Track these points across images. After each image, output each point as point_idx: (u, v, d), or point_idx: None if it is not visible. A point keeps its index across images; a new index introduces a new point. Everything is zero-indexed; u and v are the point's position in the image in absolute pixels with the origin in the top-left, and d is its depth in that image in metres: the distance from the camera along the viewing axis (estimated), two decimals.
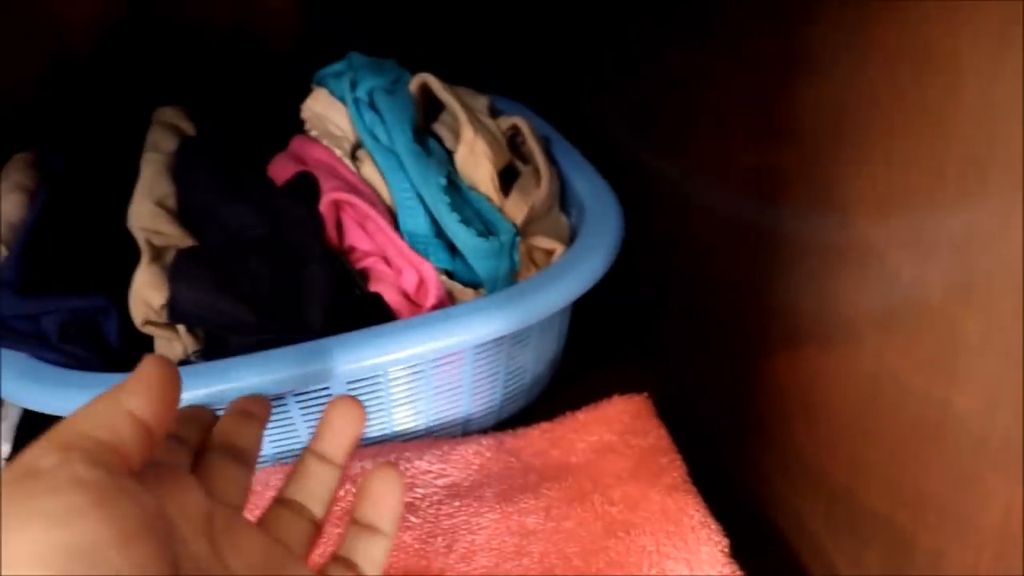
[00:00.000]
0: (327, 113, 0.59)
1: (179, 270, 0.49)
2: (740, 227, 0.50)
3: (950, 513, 0.37)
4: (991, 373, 0.33)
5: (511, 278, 0.54)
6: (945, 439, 0.36)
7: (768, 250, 0.47)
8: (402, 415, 0.54)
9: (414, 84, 0.60)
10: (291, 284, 0.51)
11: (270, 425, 0.50)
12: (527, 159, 0.60)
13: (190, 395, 0.47)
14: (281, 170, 0.58)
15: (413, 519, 0.49)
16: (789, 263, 0.45)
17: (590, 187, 0.59)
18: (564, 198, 0.60)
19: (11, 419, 0.54)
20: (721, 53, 0.48)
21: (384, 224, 0.53)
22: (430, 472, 0.52)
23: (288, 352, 0.48)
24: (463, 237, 0.52)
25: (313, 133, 0.58)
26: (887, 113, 0.36)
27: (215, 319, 0.48)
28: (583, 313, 0.59)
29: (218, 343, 0.50)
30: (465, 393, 0.54)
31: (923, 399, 0.37)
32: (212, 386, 0.47)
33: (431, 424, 0.55)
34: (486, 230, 0.53)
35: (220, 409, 0.45)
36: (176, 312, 0.48)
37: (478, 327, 0.49)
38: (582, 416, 0.55)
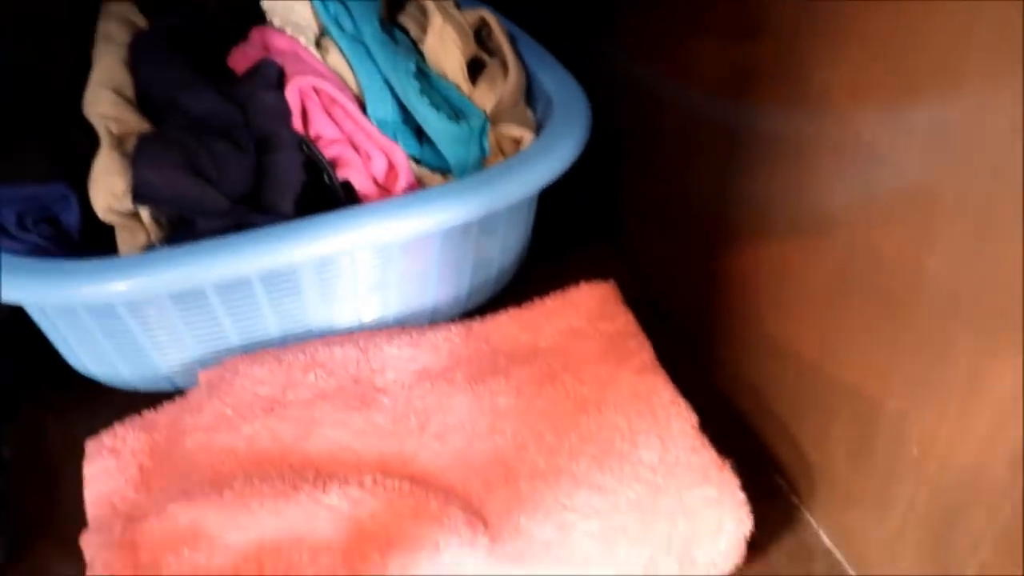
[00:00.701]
0: (290, 4, 0.58)
1: (143, 152, 0.48)
2: (712, 121, 0.50)
3: (917, 377, 0.38)
4: (964, 233, 0.34)
5: (480, 165, 0.54)
6: (917, 303, 0.37)
7: (741, 143, 0.48)
8: (371, 304, 0.54)
9: None
10: (260, 170, 0.50)
11: (234, 312, 0.50)
12: (493, 53, 0.59)
13: (160, 281, 0.47)
14: (242, 60, 0.57)
15: (385, 401, 0.50)
16: (762, 155, 0.46)
17: (556, 80, 0.59)
18: (530, 92, 0.60)
19: None
20: None
21: (353, 109, 0.52)
22: (400, 356, 0.52)
23: (257, 235, 0.48)
24: (433, 121, 0.52)
25: (276, 23, 0.57)
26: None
27: (181, 202, 0.47)
28: (547, 207, 0.60)
29: (183, 229, 0.49)
30: (432, 282, 0.55)
31: (896, 268, 0.38)
32: (181, 269, 0.46)
33: (399, 314, 0.55)
34: (456, 116, 0.52)
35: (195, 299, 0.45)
36: (141, 195, 0.47)
37: (448, 210, 0.49)
38: (550, 302, 0.55)
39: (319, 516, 0.44)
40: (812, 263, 0.44)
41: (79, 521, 0.48)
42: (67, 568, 0.48)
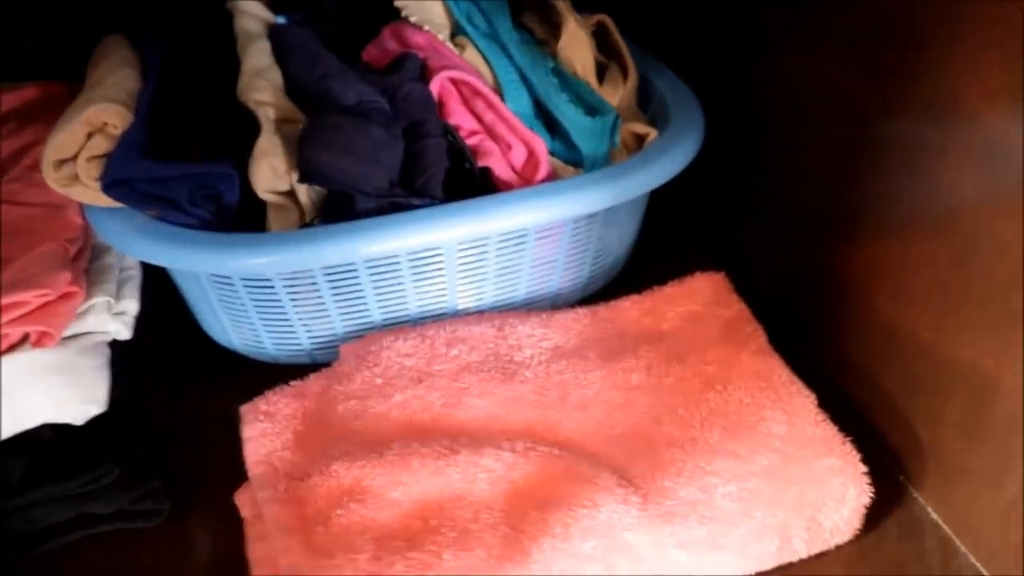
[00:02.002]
0: (422, 2, 0.61)
1: (312, 134, 0.52)
2: (835, 121, 0.54)
3: None
4: None
5: (607, 159, 0.57)
6: None
7: (864, 142, 0.51)
8: (503, 285, 0.57)
9: None
10: (409, 156, 0.54)
11: (380, 290, 0.53)
12: (609, 55, 0.63)
13: (321, 255, 0.50)
14: (379, 55, 0.61)
15: (527, 374, 0.53)
16: (885, 154, 0.50)
17: (667, 83, 0.63)
18: (641, 95, 0.64)
19: (136, 279, 0.56)
20: None
21: (496, 101, 0.56)
22: (534, 336, 0.56)
23: (413, 216, 0.51)
24: (571, 116, 0.55)
25: (413, 19, 0.61)
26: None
27: (345, 182, 0.51)
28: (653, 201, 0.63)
29: (340, 209, 0.53)
30: (558, 268, 0.58)
31: (1018, 252, 0.41)
32: (345, 245, 0.50)
33: (526, 296, 0.59)
34: (591, 111, 0.56)
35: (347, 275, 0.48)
36: (310, 173, 0.50)
37: (589, 199, 0.53)
38: (668, 289, 0.59)
39: (477, 477, 0.48)
40: (931, 251, 0.48)
41: (227, 483, 0.52)
42: (220, 525, 0.51)
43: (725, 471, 0.48)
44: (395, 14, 0.65)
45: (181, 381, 0.60)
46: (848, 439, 0.50)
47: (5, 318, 0.49)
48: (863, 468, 0.49)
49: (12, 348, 0.50)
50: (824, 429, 0.50)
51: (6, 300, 0.49)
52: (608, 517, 0.46)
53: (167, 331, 0.59)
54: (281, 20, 0.69)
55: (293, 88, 0.57)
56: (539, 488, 0.48)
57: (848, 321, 0.55)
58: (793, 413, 0.51)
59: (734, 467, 0.48)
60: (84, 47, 0.67)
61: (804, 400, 0.51)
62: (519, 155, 0.55)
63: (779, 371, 0.53)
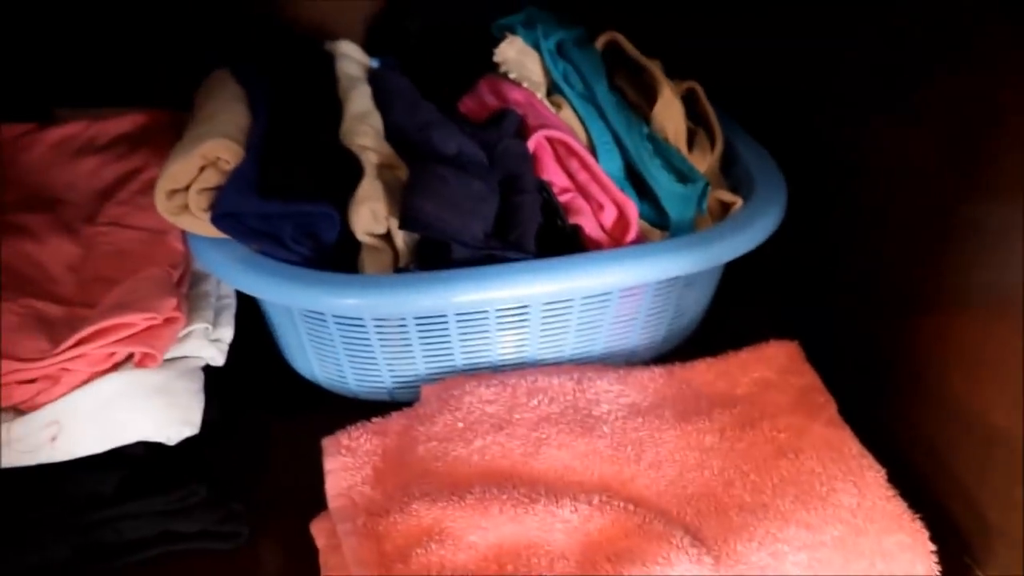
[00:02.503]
0: (521, 59, 0.64)
1: (416, 183, 0.54)
2: (918, 199, 0.55)
3: None
4: None
5: (693, 224, 0.59)
6: None
7: (948, 222, 0.53)
8: (583, 340, 0.59)
9: (601, 40, 0.65)
10: (506, 209, 0.56)
11: (465, 336, 0.55)
12: (697, 121, 0.65)
13: (416, 302, 0.52)
14: (476, 107, 0.63)
15: (604, 429, 0.54)
16: (971, 233, 0.51)
17: (752, 152, 0.64)
18: (725, 160, 0.65)
19: (231, 308, 0.58)
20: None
21: (591, 161, 0.58)
22: (611, 391, 0.57)
23: (506, 270, 0.53)
24: (663, 182, 0.57)
25: (512, 76, 0.63)
26: None
27: (444, 231, 0.53)
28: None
29: (434, 255, 0.55)
30: (638, 326, 0.60)
31: None
32: (439, 293, 0.52)
33: (603, 351, 0.60)
34: (682, 178, 0.58)
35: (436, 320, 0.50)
36: (412, 220, 0.52)
37: (673, 265, 0.55)
38: (743, 355, 0.60)
39: (554, 527, 0.49)
40: (1009, 334, 0.48)
41: (303, 512, 0.53)
42: (295, 553, 0.53)
43: (796, 539, 0.49)
44: (488, 66, 0.68)
45: (263, 409, 0.62)
46: (917, 516, 0.50)
47: (113, 337, 0.51)
48: (931, 546, 0.50)
49: (117, 366, 0.52)
50: (894, 505, 0.51)
51: (116, 321, 0.51)
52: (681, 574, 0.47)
53: (251, 359, 0.61)
54: (375, 64, 0.72)
55: (393, 134, 0.59)
56: (613, 541, 0.49)
57: (921, 398, 0.56)
58: (864, 486, 0.52)
59: (805, 536, 0.49)
60: (187, 77, 0.70)
61: (875, 474, 0.52)
62: (610, 215, 0.57)
63: (850, 443, 0.54)
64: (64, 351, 0.51)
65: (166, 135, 0.69)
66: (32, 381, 0.51)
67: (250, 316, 0.61)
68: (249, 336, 0.60)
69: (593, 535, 0.49)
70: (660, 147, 0.60)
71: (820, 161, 0.64)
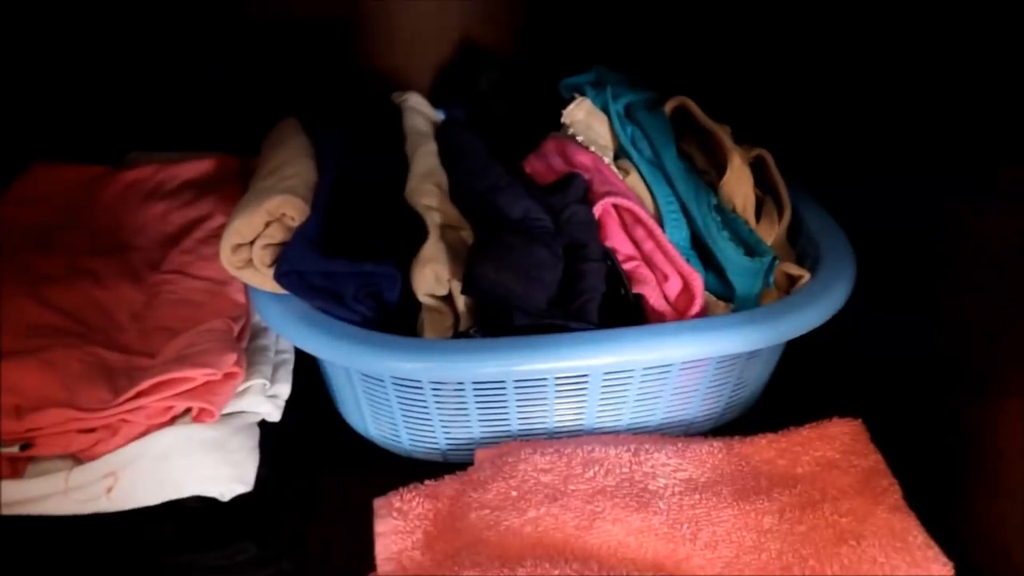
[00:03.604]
0: (589, 120, 0.63)
1: (481, 248, 0.54)
2: (987, 277, 0.54)
3: None
4: None
5: (759, 298, 0.58)
6: None
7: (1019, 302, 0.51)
8: (641, 410, 0.58)
9: (670, 105, 0.64)
10: (569, 276, 0.55)
11: (523, 403, 0.55)
12: (765, 190, 0.64)
13: (476, 369, 0.52)
14: (543, 169, 0.63)
15: (660, 505, 0.53)
16: None
17: (820, 223, 0.63)
18: (791, 229, 0.64)
19: (289, 363, 0.58)
20: None
21: (657, 231, 0.57)
22: (668, 465, 0.56)
23: (567, 340, 0.52)
24: (730, 254, 0.56)
25: (580, 138, 0.62)
26: None
27: (507, 298, 0.52)
28: None
29: (495, 319, 0.54)
30: (697, 397, 0.59)
31: None
32: (499, 362, 0.51)
33: (662, 422, 0.59)
34: (749, 250, 0.57)
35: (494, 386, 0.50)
36: (475, 287, 0.52)
37: (737, 340, 0.54)
38: (805, 432, 0.58)
39: None
40: None
41: (352, 570, 0.53)
42: None
43: None
44: (555, 123, 0.67)
45: (314, 466, 0.61)
46: None
47: (172, 391, 0.52)
48: None
49: (174, 420, 0.53)
50: None
51: (176, 375, 0.51)
52: None
53: (306, 414, 0.61)
54: (441, 114, 0.72)
55: (458, 192, 0.59)
56: None
57: (995, 491, 0.54)
58: None
59: None
60: (254, 121, 0.71)
61: (941, 568, 0.51)
62: (674, 286, 0.56)
63: (915, 532, 0.52)
64: (124, 402, 0.51)
65: (234, 182, 0.70)
66: (92, 431, 0.52)
67: (307, 370, 0.61)
68: (305, 391, 0.60)
69: None
70: (728, 218, 0.59)
71: (892, 232, 0.63)
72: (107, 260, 0.64)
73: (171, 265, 0.63)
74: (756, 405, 0.65)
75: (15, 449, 0.51)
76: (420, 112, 0.69)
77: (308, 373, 0.61)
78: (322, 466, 0.61)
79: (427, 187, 0.59)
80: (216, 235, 0.63)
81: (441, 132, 0.66)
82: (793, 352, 0.64)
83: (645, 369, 0.55)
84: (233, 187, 0.69)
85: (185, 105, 0.79)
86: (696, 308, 0.55)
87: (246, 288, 0.59)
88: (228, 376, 0.53)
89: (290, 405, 0.58)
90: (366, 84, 0.79)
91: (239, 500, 0.54)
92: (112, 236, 0.66)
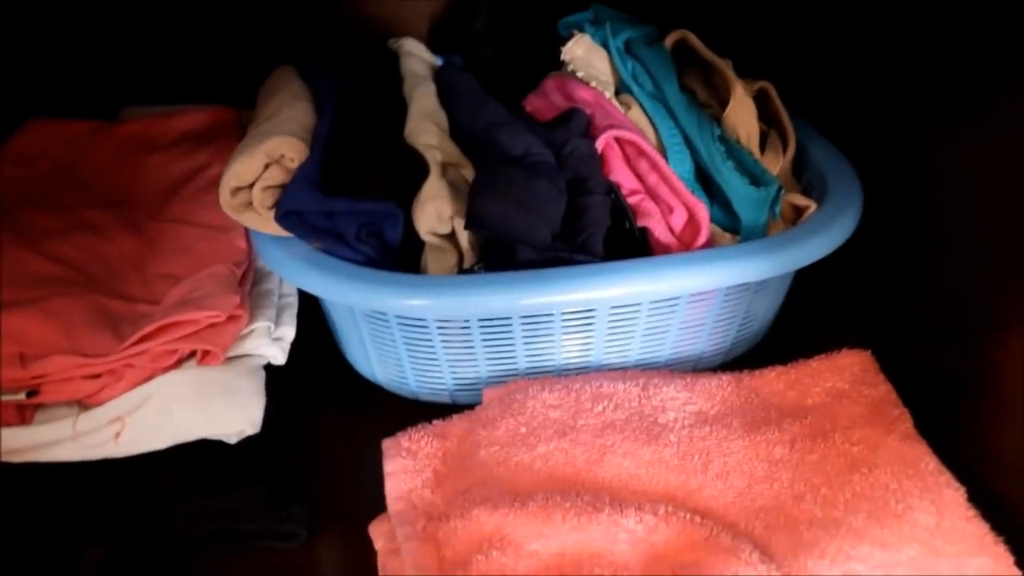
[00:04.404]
0: (589, 57, 0.62)
1: (483, 182, 0.53)
2: (1002, 215, 0.53)
3: None
4: None
5: (765, 229, 0.57)
6: None
7: None
8: (649, 345, 0.57)
9: (670, 39, 0.63)
10: (573, 210, 0.54)
11: (529, 340, 0.54)
12: (769, 122, 0.63)
13: (482, 304, 0.51)
14: (543, 106, 0.62)
15: (671, 437, 0.53)
16: None
17: (826, 155, 0.62)
18: (796, 163, 0.63)
19: (293, 306, 0.58)
20: None
21: (662, 163, 0.56)
22: (678, 399, 0.55)
23: (573, 272, 0.52)
24: (735, 184, 0.56)
25: (580, 74, 0.62)
26: None
27: (511, 232, 0.52)
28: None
29: (499, 256, 0.54)
30: (705, 332, 0.58)
31: None
32: (505, 296, 0.51)
33: (670, 357, 0.59)
34: (754, 181, 0.56)
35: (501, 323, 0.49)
36: (477, 221, 0.52)
37: (745, 270, 0.53)
38: (814, 363, 0.58)
39: (618, 537, 0.48)
40: None
41: (361, 513, 0.53)
42: (354, 550, 0.52)
43: (870, 558, 0.47)
44: (553, 65, 0.67)
45: (322, 409, 0.61)
46: (1000, 540, 0.48)
47: (176, 335, 0.51)
48: (1017, 572, 0.47)
49: (179, 363, 0.52)
50: (975, 526, 0.49)
51: (179, 318, 0.51)
52: None
53: (311, 358, 0.61)
54: (440, 62, 0.71)
55: (459, 132, 0.59)
56: (679, 554, 0.47)
57: (1003, 418, 0.54)
58: (942, 505, 0.49)
59: (879, 555, 0.47)
60: (249, 74, 0.70)
61: (954, 493, 0.50)
62: (679, 218, 0.56)
63: (927, 459, 0.52)
64: (128, 347, 0.51)
65: (230, 132, 0.69)
66: (97, 376, 0.51)
67: (310, 315, 0.61)
68: (309, 336, 0.60)
69: (658, 547, 0.48)
70: (732, 149, 0.58)
71: (899, 168, 0.62)
72: (106, 212, 0.63)
73: (171, 214, 0.62)
74: (764, 340, 0.65)
75: (21, 396, 0.50)
76: (417, 56, 0.68)
77: (312, 319, 0.61)
78: (328, 410, 0.61)
79: (426, 126, 0.58)
80: (215, 183, 0.62)
81: (439, 75, 0.65)
82: (799, 286, 0.63)
83: (652, 302, 0.54)
84: (230, 137, 0.68)
85: (179, 58, 0.78)
86: (702, 239, 0.55)
87: (247, 233, 0.59)
88: (232, 319, 0.53)
89: (295, 350, 0.58)
90: (360, 32, 0.78)
91: (247, 443, 0.53)
92: (110, 189, 0.66)
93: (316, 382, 0.62)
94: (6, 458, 0.51)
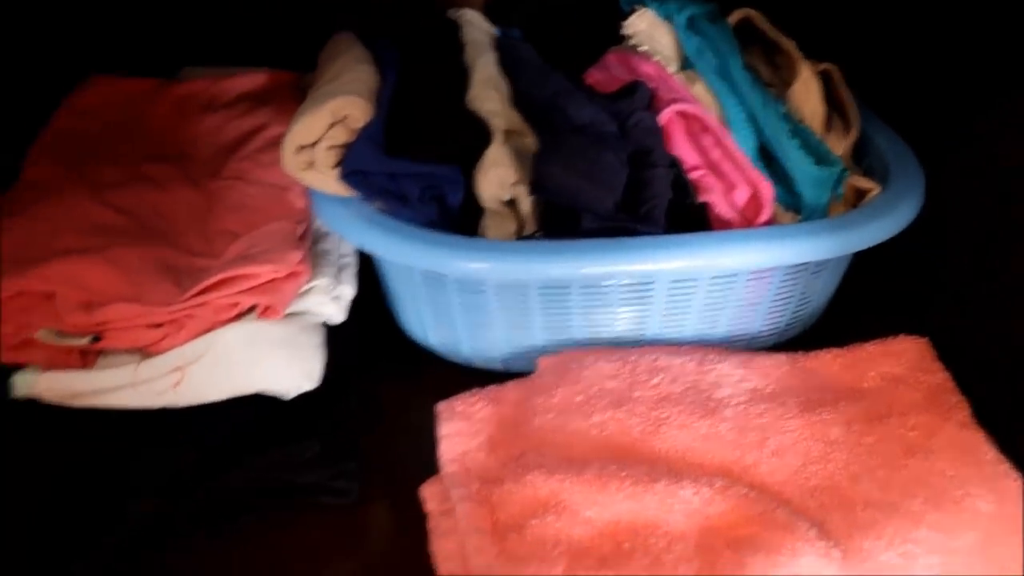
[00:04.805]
0: (652, 31, 0.62)
1: (549, 149, 0.53)
2: None
3: None
4: None
5: (826, 210, 0.57)
6: None
7: None
8: (705, 321, 0.57)
9: (734, 17, 0.63)
10: (635, 183, 0.54)
11: (587, 309, 0.55)
12: (832, 106, 0.62)
13: (544, 269, 0.51)
14: (605, 79, 0.62)
15: (727, 413, 0.53)
16: None
17: (887, 140, 0.62)
18: (856, 149, 0.63)
19: (352, 266, 0.58)
20: None
21: (726, 138, 0.56)
22: (733, 376, 0.55)
23: (636, 243, 0.52)
24: (800, 162, 0.55)
25: (643, 48, 0.61)
26: None
27: (575, 199, 0.52)
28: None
29: (559, 225, 0.54)
30: (762, 311, 0.58)
31: None
32: (569, 262, 0.51)
33: (724, 335, 0.59)
34: (819, 161, 0.56)
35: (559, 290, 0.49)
36: (545, 187, 0.52)
37: (808, 248, 0.53)
38: (871, 348, 0.58)
39: (673, 508, 0.48)
40: None
41: (411, 476, 0.53)
42: (403, 511, 0.52)
43: (927, 541, 0.47)
44: (613, 40, 0.66)
45: (373, 374, 0.61)
46: None
47: (237, 288, 0.51)
48: None
49: (239, 317, 0.52)
50: None
51: (241, 271, 0.51)
52: (808, 569, 0.45)
53: (365, 322, 0.61)
54: (498, 32, 0.71)
55: (521, 101, 0.58)
56: (734, 528, 0.47)
57: None
58: (1001, 493, 0.49)
59: (936, 539, 0.47)
60: (306, 40, 0.70)
61: (1012, 482, 0.50)
62: (742, 195, 0.56)
63: (985, 448, 0.52)
64: (190, 298, 0.51)
65: (288, 95, 0.70)
66: (158, 326, 0.52)
67: (363, 281, 0.60)
68: (362, 300, 0.60)
69: (713, 520, 0.48)
70: (797, 128, 0.58)
71: (959, 148, 0.61)
72: (165, 167, 0.63)
73: (230, 172, 0.62)
74: (818, 322, 0.64)
75: (85, 341, 0.51)
76: (478, 26, 0.68)
77: (366, 285, 0.61)
78: (380, 374, 0.61)
79: (489, 93, 0.58)
80: (274, 144, 0.63)
81: (500, 45, 0.65)
82: (854, 270, 0.63)
83: (712, 278, 0.54)
84: (288, 100, 0.68)
85: (239, 21, 0.78)
86: (765, 216, 0.55)
87: (306, 194, 0.59)
88: (293, 274, 0.53)
89: (350, 313, 0.58)
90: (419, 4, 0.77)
91: (302, 400, 0.53)
92: (169, 145, 0.66)
93: (369, 347, 0.62)
94: (68, 402, 0.52)
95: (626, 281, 0.54)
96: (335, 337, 0.56)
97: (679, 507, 0.48)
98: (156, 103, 0.70)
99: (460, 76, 0.61)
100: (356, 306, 0.58)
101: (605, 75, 0.62)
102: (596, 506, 0.48)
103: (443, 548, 0.49)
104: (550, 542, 0.47)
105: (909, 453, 0.52)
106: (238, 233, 0.57)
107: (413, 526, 0.51)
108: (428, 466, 0.53)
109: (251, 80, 0.71)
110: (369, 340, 0.62)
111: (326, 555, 0.51)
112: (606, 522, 0.48)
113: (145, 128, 0.68)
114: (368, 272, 0.60)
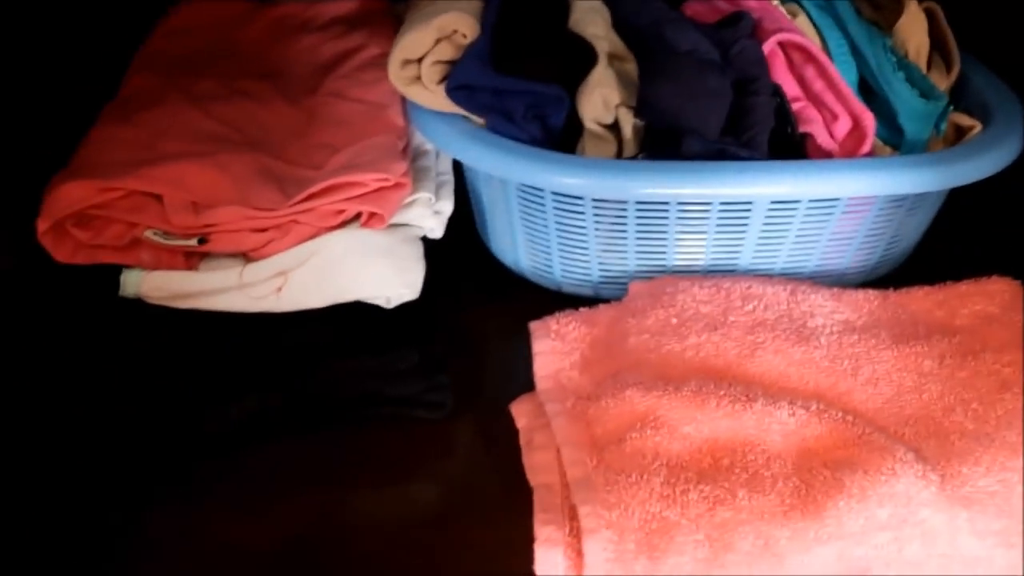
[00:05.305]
0: None
1: (657, 72, 0.53)
2: None
3: None
4: None
5: (925, 146, 0.57)
6: None
7: None
8: (799, 251, 0.57)
9: None
10: (737, 110, 0.54)
11: (683, 233, 0.55)
12: (934, 44, 0.62)
13: (644, 185, 0.52)
14: (706, 10, 0.62)
15: (820, 341, 0.53)
16: None
17: (987, 82, 0.61)
18: (953, 91, 0.62)
19: (450, 183, 0.58)
20: None
21: (831, 69, 0.56)
22: (825, 307, 0.55)
23: (737, 167, 0.52)
24: (905, 96, 0.55)
25: None
26: None
27: (683, 121, 0.52)
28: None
29: (660, 148, 0.54)
30: (854, 246, 0.58)
31: None
32: (671, 181, 0.51)
33: (815, 269, 0.59)
34: (924, 94, 0.56)
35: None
36: (651, 109, 0.52)
37: (910, 179, 0.53)
38: (963, 287, 0.58)
39: (771, 427, 0.48)
40: None
41: (501, 393, 0.53)
42: (495, 427, 0.52)
43: None
44: None
45: (464, 295, 0.62)
46: None
47: (344, 195, 0.52)
48: None
49: (343, 224, 0.53)
50: None
51: (348, 179, 0.52)
52: (906, 488, 0.45)
53: (455, 244, 0.61)
54: None
55: (622, 27, 0.58)
56: (831, 450, 0.48)
57: None
58: None
59: None
60: None
61: None
62: (843, 127, 0.55)
63: None
64: (296, 203, 0.52)
65: (382, 20, 0.70)
66: (263, 231, 0.53)
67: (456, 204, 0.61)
68: (454, 224, 0.60)
69: (810, 441, 0.48)
70: (902, 61, 0.57)
71: None
72: (262, 84, 0.64)
73: (328, 89, 0.63)
74: (906, 263, 0.64)
75: (192, 242, 0.52)
76: None
77: (458, 210, 0.61)
78: (471, 296, 0.62)
79: (593, 16, 0.58)
80: (372, 63, 0.63)
81: None
82: (946, 211, 0.63)
83: (810, 203, 0.54)
84: (383, 24, 0.69)
85: None
86: (867, 147, 0.55)
87: (405, 113, 0.59)
88: (398, 184, 0.53)
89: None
90: None
91: (398, 312, 0.54)
92: (265, 63, 0.67)
93: (459, 269, 0.63)
94: (174, 303, 0.53)
95: (725, 204, 0.54)
96: (428, 256, 0.57)
97: (777, 427, 0.48)
98: (249, 25, 0.71)
99: (561, 2, 0.61)
100: (448, 229, 0.59)
101: (706, 7, 0.62)
102: (694, 422, 0.48)
103: (535, 461, 0.50)
104: (649, 455, 0.47)
105: (1004, 388, 0.51)
106: (338, 147, 0.57)
107: (503, 443, 0.51)
108: (516, 386, 0.53)
109: (344, 4, 0.72)
110: (460, 263, 0.62)
111: (415, 466, 0.51)
112: (704, 438, 0.48)
113: (239, 48, 0.69)
114: (459, 200, 0.61)
